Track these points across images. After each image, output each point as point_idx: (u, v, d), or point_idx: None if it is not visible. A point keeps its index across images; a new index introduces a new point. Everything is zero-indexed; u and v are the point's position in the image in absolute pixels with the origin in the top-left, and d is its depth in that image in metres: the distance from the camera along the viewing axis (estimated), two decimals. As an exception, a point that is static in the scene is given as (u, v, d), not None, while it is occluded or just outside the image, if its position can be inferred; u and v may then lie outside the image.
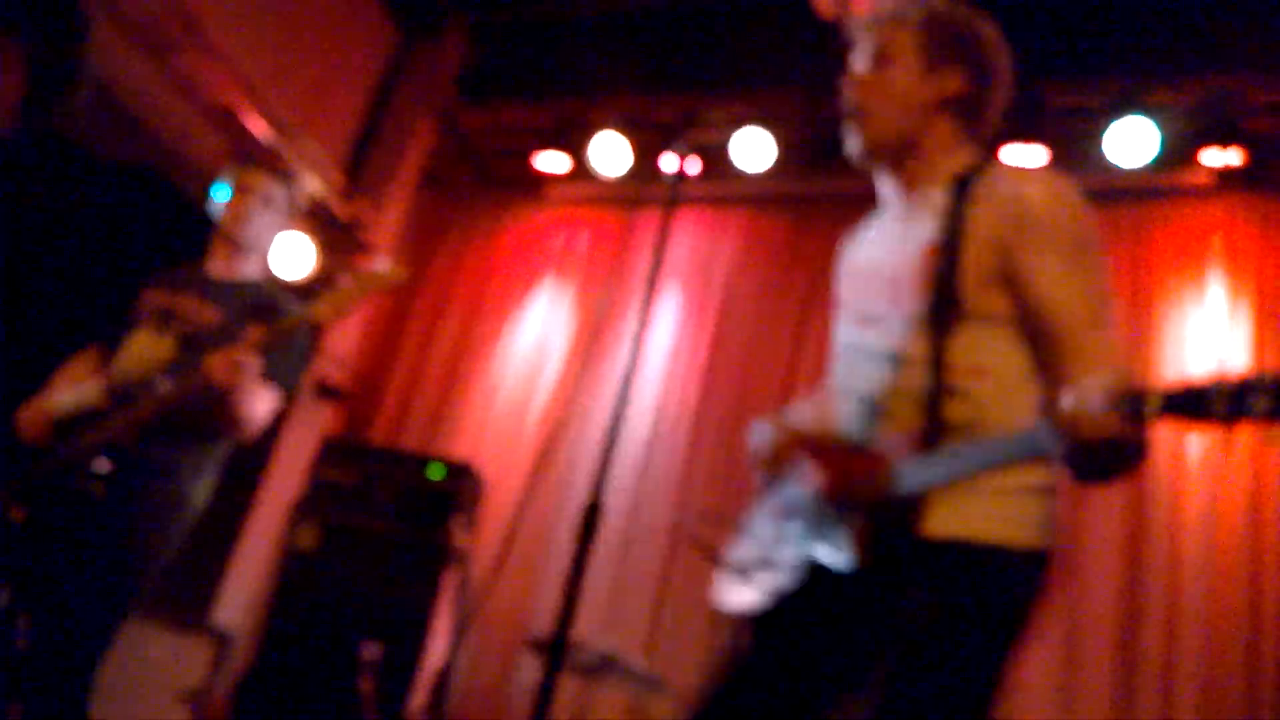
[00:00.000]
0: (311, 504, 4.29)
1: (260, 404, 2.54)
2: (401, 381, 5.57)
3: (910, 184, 1.66)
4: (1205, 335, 4.20)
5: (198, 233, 2.80)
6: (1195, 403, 1.17)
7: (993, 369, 1.49)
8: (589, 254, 5.43)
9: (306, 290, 2.73)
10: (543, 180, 5.48)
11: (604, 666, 3.40)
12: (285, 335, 2.41)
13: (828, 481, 1.52)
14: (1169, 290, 4.28)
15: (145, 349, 2.59)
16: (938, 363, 1.48)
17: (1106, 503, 4.06)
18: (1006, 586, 1.44)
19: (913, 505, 1.43)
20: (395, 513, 4.19)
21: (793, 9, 3.98)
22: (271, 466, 4.82)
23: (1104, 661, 3.86)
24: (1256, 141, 4.08)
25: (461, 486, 4.25)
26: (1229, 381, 1.15)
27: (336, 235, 5.01)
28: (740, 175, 4.71)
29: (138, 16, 3.92)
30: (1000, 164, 1.59)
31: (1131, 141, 3.91)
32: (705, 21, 4.89)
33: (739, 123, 4.56)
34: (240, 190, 2.74)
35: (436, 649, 4.14)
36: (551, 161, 5.29)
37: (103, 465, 2.40)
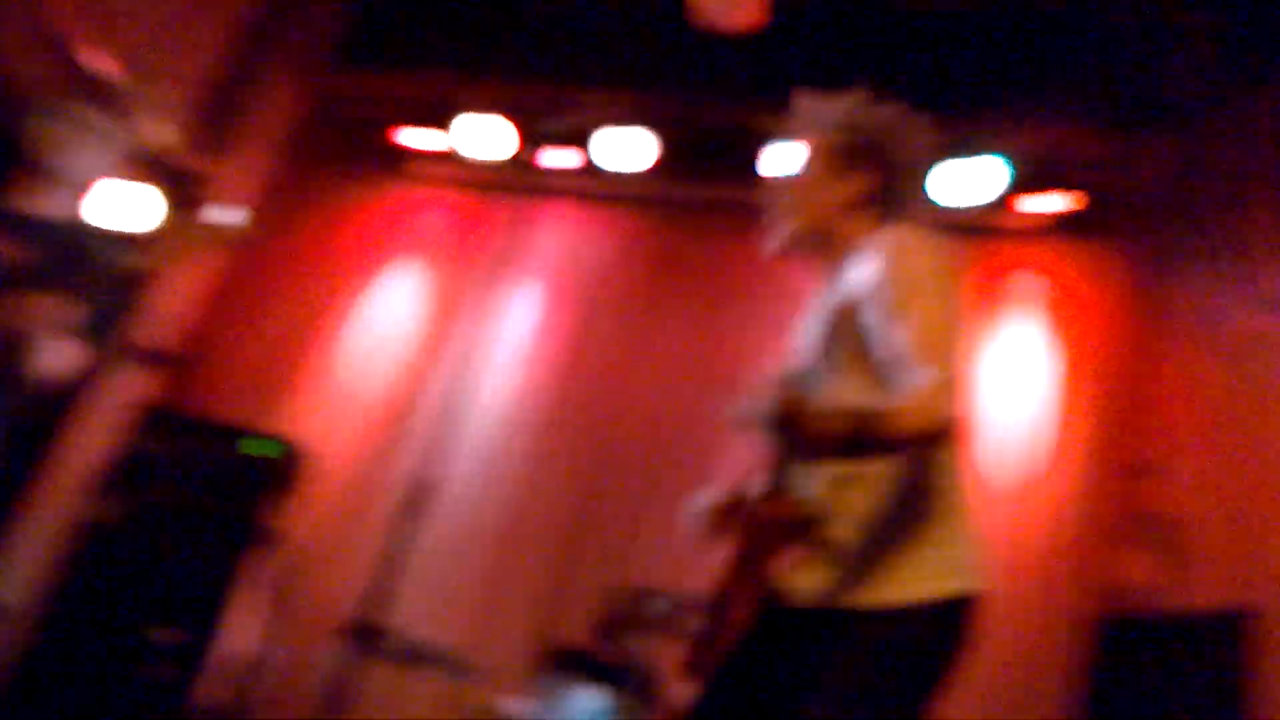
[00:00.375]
0: (120, 475, 4.03)
1: (60, 357, 2.38)
2: (238, 350, 5.32)
3: (833, 267, 1.81)
4: (1014, 368, 4.50)
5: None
6: None
7: None
8: (448, 237, 5.34)
9: (132, 237, 2.56)
10: (407, 156, 5.36)
11: (419, 655, 3.34)
12: (102, 284, 2.27)
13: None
14: (984, 328, 4.56)
15: None
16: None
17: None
18: (916, 640, 1.57)
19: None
20: (208, 489, 3.99)
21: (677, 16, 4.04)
22: (74, 432, 4.49)
23: None
24: (1077, 190, 4.39)
25: (279, 463, 4.08)
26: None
27: (185, 189, 4.75)
28: (618, 174, 4.74)
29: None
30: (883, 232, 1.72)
31: (957, 181, 4.14)
32: (590, 14, 4.87)
33: (617, 120, 4.59)
34: (57, 119, 2.56)
35: (244, 635, 3.96)
36: (418, 138, 5.19)
37: None
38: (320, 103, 5.44)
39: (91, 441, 4.39)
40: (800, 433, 1.52)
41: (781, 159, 1.87)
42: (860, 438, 1.51)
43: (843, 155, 1.80)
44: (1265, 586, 3.43)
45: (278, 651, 4.26)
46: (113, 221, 4.27)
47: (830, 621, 1.58)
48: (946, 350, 1.52)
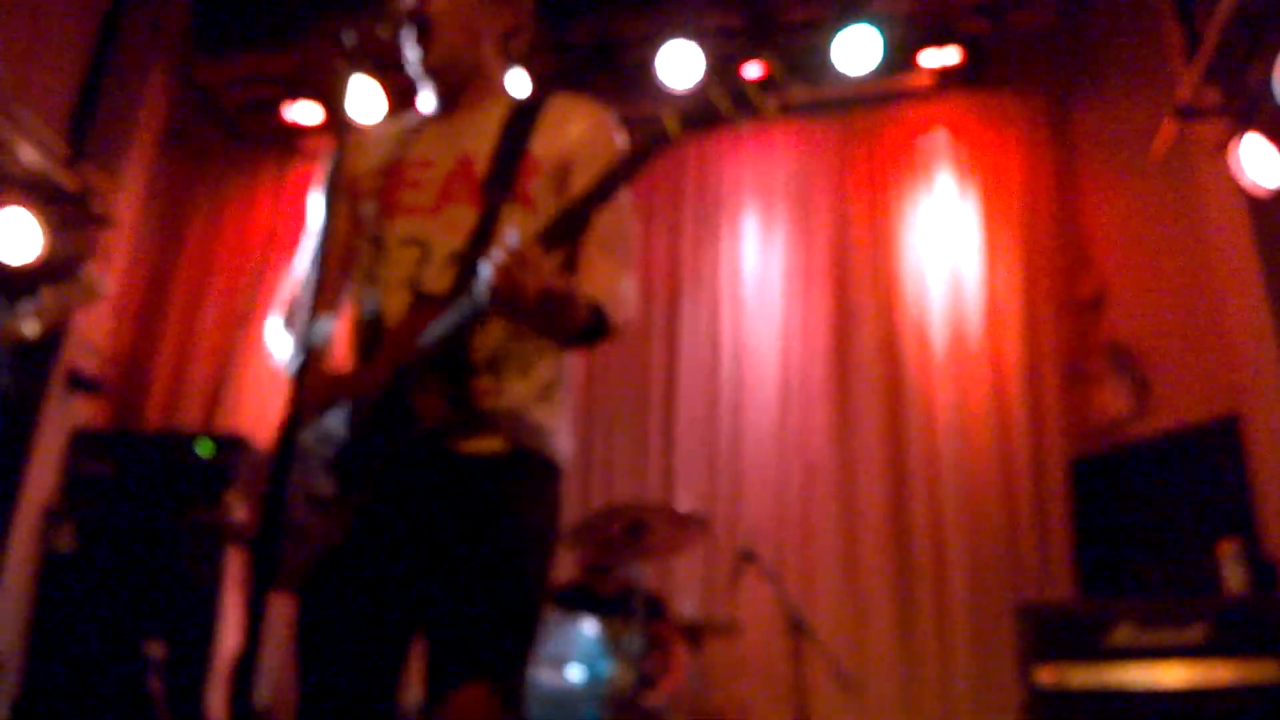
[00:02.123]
0: (66, 503, 4.01)
1: None
2: (170, 361, 5.23)
3: (462, 98, 1.77)
4: (937, 226, 4.49)
5: None
6: (705, 112, 1.44)
7: None
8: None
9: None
10: (295, 132, 5.21)
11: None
12: None
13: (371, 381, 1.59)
14: (902, 189, 4.54)
15: None
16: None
17: (868, 410, 4.31)
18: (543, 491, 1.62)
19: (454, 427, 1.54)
20: (162, 498, 3.97)
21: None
22: (26, 470, 4.44)
23: (882, 564, 4.13)
24: (972, 41, 4.34)
25: (234, 459, 4.06)
26: (726, 89, 1.44)
27: (67, 208, 4.61)
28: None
29: None
30: (558, 96, 1.77)
31: (856, 50, 4.07)
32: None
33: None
34: None
35: (237, 634, 3.97)
36: (303, 112, 5.03)
37: None
38: (197, 93, 5.26)
39: (43, 477, 4.34)
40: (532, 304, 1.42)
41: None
42: (584, 327, 1.53)
43: None
44: (1227, 399, 3.47)
45: (275, 646, 4.29)
46: (14, 255, 4.19)
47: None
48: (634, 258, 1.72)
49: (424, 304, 1.58)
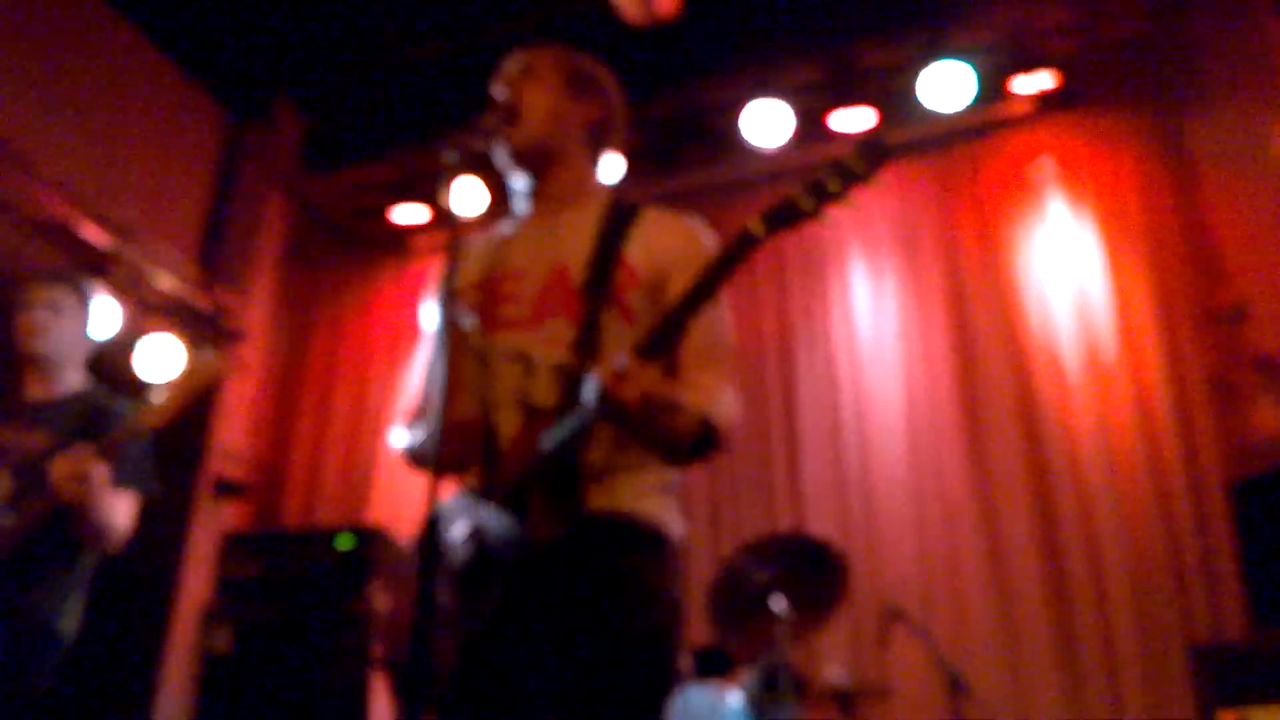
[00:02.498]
0: (221, 605, 4.17)
1: (119, 509, 2.46)
2: (305, 462, 5.46)
3: (551, 193, 1.79)
4: (1056, 251, 4.34)
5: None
6: (788, 211, 1.43)
7: None
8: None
9: (135, 389, 2.63)
10: (405, 233, 5.45)
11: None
12: (121, 443, 2.34)
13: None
14: (1013, 218, 4.42)
15: None
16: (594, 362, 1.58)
17: (1004, 444, 4.15)
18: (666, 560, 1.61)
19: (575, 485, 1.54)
20: (309, 594, 4.09)
21: (598, 27, 4.03)
22: (180, 575, 4.67)
23: (1038, 609, 3.93)
24: (1064, 62, 4.24)
25: (373, 551, 4.17)
26: (804, 184, 1.43)
27: (202, 328, 4.92)
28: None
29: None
30: (651, 208, 1.77)
31: (946, 86, 4.02)
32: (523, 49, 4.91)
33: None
34: (24, 307, 2.64)
35: (388, 722, 4.03)
36: (409, 214, 5.27)
37: None
38: (310, 209, 5.57)
39: (196, 580, 4.56)
40: (637, 420, 1.48)
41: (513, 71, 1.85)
42: (692, 440, 1.56)
43: (575, 78, 1.83)
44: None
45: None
46: (147, 374, 4.49)
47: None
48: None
49: (535, 418, 1.59)
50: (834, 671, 3.96)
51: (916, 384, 4.36)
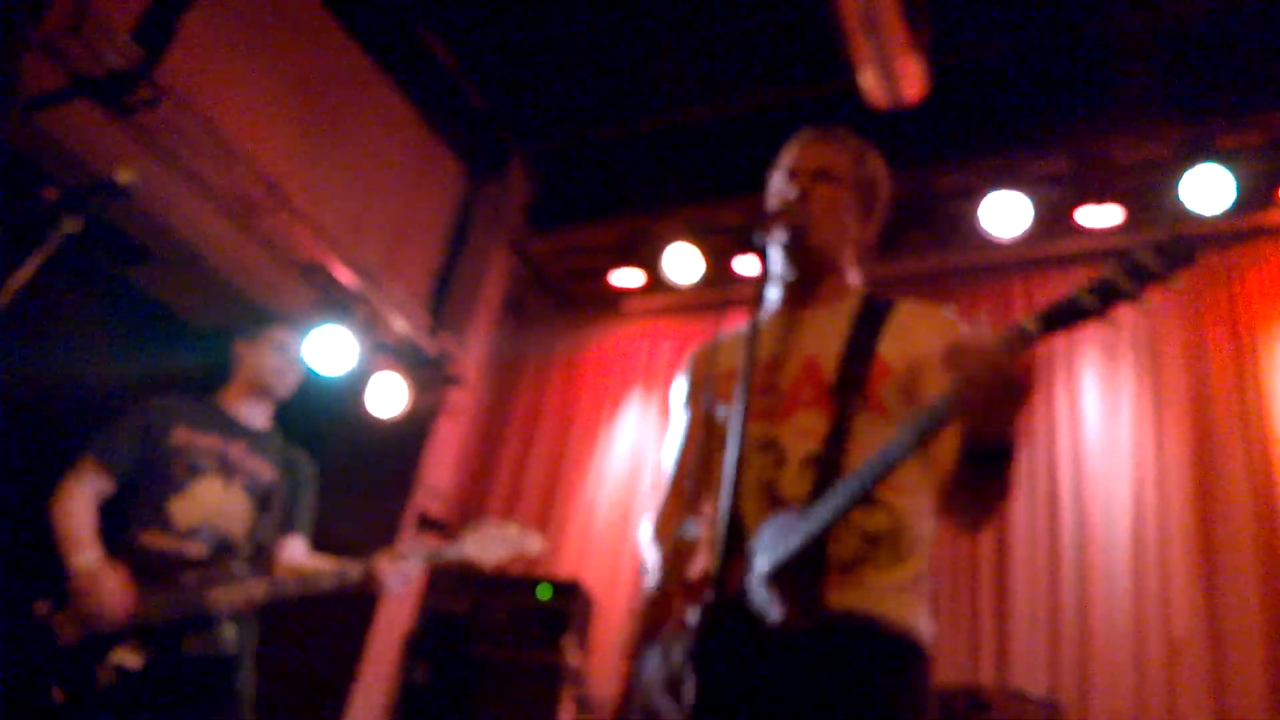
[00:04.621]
0: (423, 636, 4.31)
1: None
2: (500, 507, 5.61)
3: (813, 296, 1.80)
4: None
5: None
6: (1069, 310, 1.32)
7: (909, 486, 1.61)
8: (672, 363, 5.48)
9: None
10: (619, 296, 5.61)
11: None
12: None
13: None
14: (1272, 333, 4.12)
15: (222, 499, 2.72)
16: (853, 465, 1.55)
17: (1242, 576, 3.84)
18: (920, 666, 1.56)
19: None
20: (507, 638, 4.18)
21: (840, 106, 4.08)
22: (380, 605, 4.87)
23: None
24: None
25: (571, 605, 4.24)
26: (1090, 281, 1.31)
27: (426, 371, 5.19)
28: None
29: (222, 186, 4.19)
30: (906, 301, 1.79)
31: (1207, 188, 3.84)
32: (759, 125, 5.02)
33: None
34: (275, 346, 2.89)
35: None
36: (625, 277, 5.42)
37: (132, 661, 2.42)
38: (531, 265, 5.83)
39: (397, 613, 4.74)
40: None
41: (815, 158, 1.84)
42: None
43: (867, 190, 1.85)
44: None
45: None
46: (385, 412, 4.79)
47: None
48: None
49: (780, 508, 1.58)
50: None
51: (1147, 504, 4.07)
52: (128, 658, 2.39)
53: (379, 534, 4.93)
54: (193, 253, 4.34)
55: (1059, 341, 4.51)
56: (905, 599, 1.59)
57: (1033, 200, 4.13)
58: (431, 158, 5.57)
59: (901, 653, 1.55)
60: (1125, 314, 3.83)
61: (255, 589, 2.55)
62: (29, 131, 3.60)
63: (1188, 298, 4.29)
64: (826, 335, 1.71)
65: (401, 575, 2.62)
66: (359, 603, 4.79)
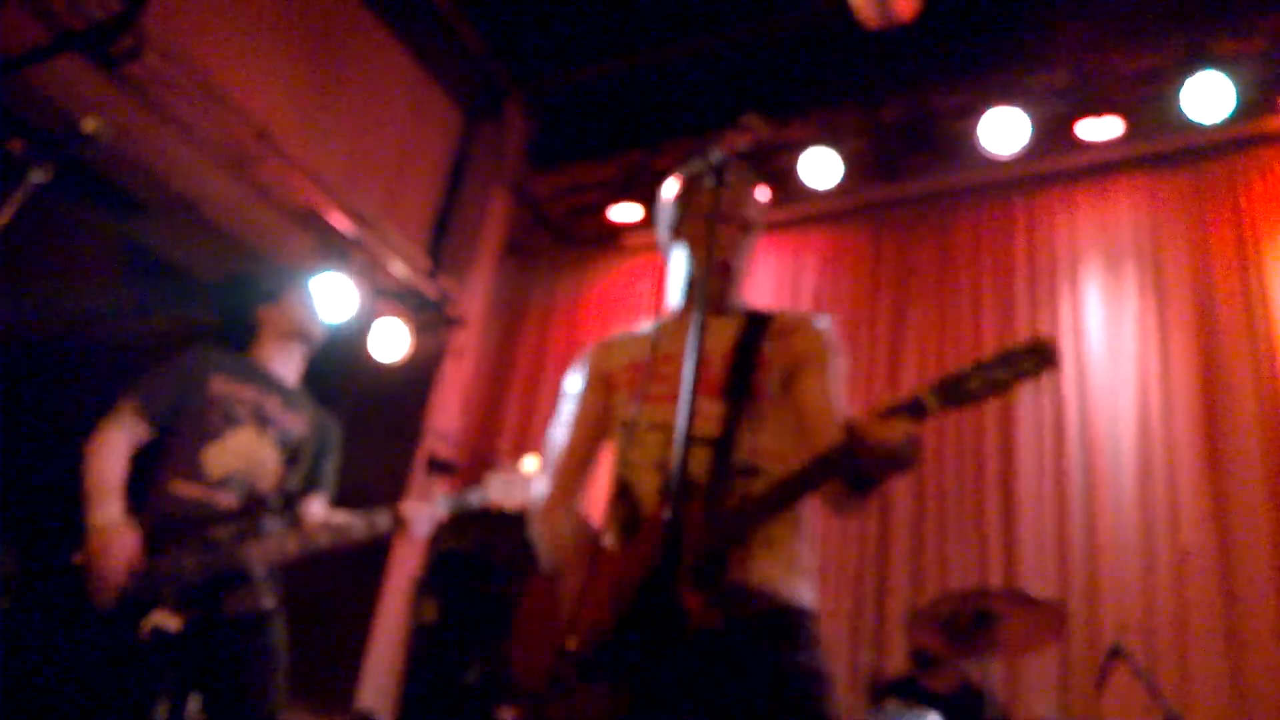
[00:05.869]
0: (432, 574, 4.39)
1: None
2: (510, 448, 5.66)
3: (717, 304, 2.02)
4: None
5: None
6: (955, 389, 1.57)
7: (783, 453, 1.85)
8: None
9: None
10: (618, 231, 5.58)
11: None
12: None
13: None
14: (1276, 239, 4.07)
15: (254, 450, 2.70)
16: (742, 444, 1.82)
17: (1249, 481, 3.84)
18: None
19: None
20: (510, 571, 4.25)
21: (834, 29, 4.00)
22: (393, 548, 4.95)
23: (1274, 662, 3.61)
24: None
25: (580, 539, 4.29)
26: (977, 363, 1.57)
27: (428, 314, 5.20)
28: (811, 195, 4.71)
29: (213, 135, 4.17)
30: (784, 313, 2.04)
31: (1207, 97, 3.76)
32: (751, 56, 4.94)
33: (814, 140, 4.56)
34: (279, 299, 2.88)
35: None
36: (625, 212, 5.39)
37: (171, 624, 2.40)
38: (531, 205, 5.80)
39: (409, 554, 4.82)
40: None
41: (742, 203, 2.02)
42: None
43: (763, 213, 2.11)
44: None
45: None
46: (385, 356, 4.82)
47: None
48: None
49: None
50: (1038, 707, 3.77)
51: (1152, 412, 4.07)
52: (167, 620, 2.38)
53: (390, 479, 5.00)
54: (188, 203, 4.33)
55: (1060, 252, 4.52)
56: (790, 580, 1.80)
57: (1032, 116, 4.07)
58: (427, 100, 5.52)
59: (793, 619, 1.76)
60: (1127, 221, 3.78)
61: (288, 543, 2.56)
62: (14, 88, 3.58)
63: (1192, 204, 4.23)
64: (718, 339, 1.94)
65: (428, 518, 2.70)
66: (373, 550, 4.88)
